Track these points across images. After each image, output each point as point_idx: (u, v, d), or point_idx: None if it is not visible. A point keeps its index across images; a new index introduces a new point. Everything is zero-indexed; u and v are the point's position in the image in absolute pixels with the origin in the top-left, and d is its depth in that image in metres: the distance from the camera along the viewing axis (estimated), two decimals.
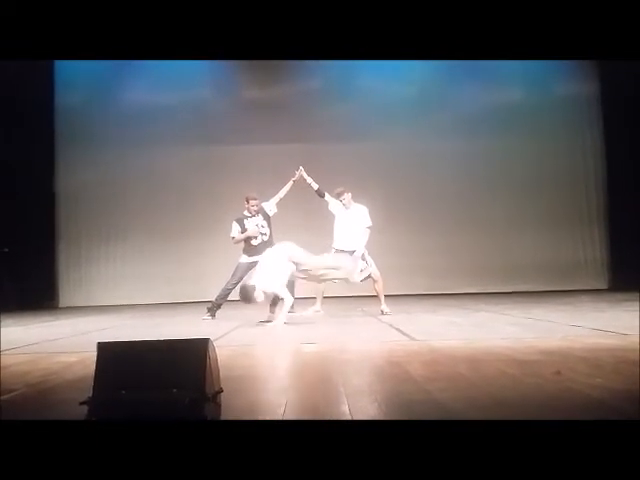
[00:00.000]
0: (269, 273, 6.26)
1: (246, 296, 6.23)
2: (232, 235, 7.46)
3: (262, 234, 7.41)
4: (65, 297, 12.12)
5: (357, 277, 6.85)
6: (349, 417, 2.24)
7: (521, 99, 12.20)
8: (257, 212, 7.44)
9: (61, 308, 11.60)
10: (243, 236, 7.40)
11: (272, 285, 6.24)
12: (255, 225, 7.41)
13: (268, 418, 2.30)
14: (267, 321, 6.44)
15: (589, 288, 11.47)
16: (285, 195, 7.56)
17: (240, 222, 7.46)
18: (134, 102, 12.20)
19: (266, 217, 7.47)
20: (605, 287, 11.81)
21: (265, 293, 6.27)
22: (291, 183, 7.58)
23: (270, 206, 7.52)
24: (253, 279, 6.38)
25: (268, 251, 6.62)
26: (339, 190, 7.46)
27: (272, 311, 6.60)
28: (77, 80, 12.03)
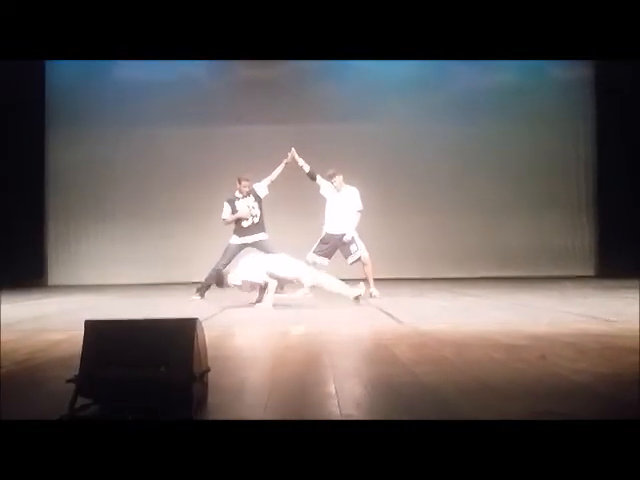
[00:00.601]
0: (252, 263, 6.33)
1: (219, 280, 6.35)
2: (223, 216, 7.45)
3: (253, 216, 7.39)
4: (54, 275, 12.07)
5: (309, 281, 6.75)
6: (335, 398, 2.25)
7: (515, 82, 12.15)
8: (248, 193, 7.42)
9: (50, 286, 11.56)
10: (234, 217, 7.38)
11: (252, 274, 6.27)
12: (246, 206, 7.40)
13: (254, 400, 2.31)
14: (257, 302, 6.46)
15: (576, 274, 11.54)
16: (277, 177, 7.53)
17: (231, 203, 7.44)
18: (126, 81, 12.07)
19: (257, 199, 7.45)
20: (592, 274, 11.88)
21: (243, 281, 6.29)
22: (283, 165, 7.54)
23: (261, 188, 7.49)
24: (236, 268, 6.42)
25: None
26: (331, 172, 7.44)
27: (260, 293, 6.61)
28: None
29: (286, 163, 7.54)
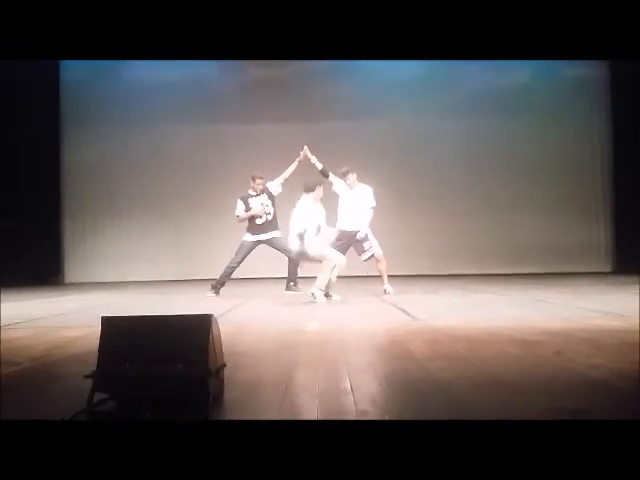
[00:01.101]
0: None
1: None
2: (237, 214, 7.49)
3: (266, 213, 7.43)
4: (70, 273, 12.18)
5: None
6: (350, 394, 2.26)
7: (529, 81, 12.09)
8: (262, 191, 7.46)
9: (66, 284, 11.66)
10: (247, 215, 7.42)
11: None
12: (260, 204, 7.43)
13: (271, 396, 2.32)
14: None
15: (593, 271, 11.46)
16: (290, 175, 7.55)
17: (245, 200, 7.48)
18: (139, 81, 12.15)
19: (270, 196, 7.48)
20: (609, 270, 11.80)
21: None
22: (296, 163, 7.56)
23: (275, 186, 7.52)
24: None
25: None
26: (344, 170, 7.42)
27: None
28: None
29: (299, 161, 7.55)
